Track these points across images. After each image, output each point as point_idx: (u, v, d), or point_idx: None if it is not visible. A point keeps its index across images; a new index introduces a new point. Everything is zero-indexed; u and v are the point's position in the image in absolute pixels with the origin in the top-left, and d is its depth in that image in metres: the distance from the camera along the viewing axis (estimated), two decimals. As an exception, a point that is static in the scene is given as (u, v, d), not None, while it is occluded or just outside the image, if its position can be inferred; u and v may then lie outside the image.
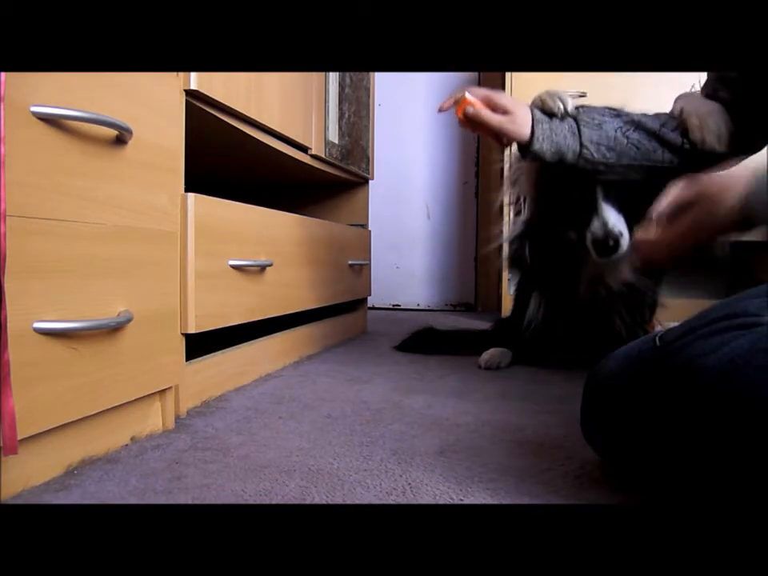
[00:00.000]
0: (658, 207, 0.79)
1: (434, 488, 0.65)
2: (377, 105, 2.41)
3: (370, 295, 1.98)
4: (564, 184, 1.17)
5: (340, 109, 1.58)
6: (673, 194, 0.77)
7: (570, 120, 1.04)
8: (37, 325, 0.60)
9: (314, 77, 1.42)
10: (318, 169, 1.53)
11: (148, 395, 0.81)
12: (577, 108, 1.07)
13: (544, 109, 1.05)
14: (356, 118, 1.72)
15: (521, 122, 1.02)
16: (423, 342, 1.57)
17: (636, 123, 1.04)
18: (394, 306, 2.83)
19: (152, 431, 0.84)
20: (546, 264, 1.30)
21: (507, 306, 2.10)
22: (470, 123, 1.04)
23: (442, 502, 0.62)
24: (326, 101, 1.49)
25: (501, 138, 1.04)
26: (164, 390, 0.85)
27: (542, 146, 1.02)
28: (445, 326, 1.68)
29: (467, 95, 1.02)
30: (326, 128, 1.49)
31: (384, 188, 2.69)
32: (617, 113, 1.06)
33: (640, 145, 1.04)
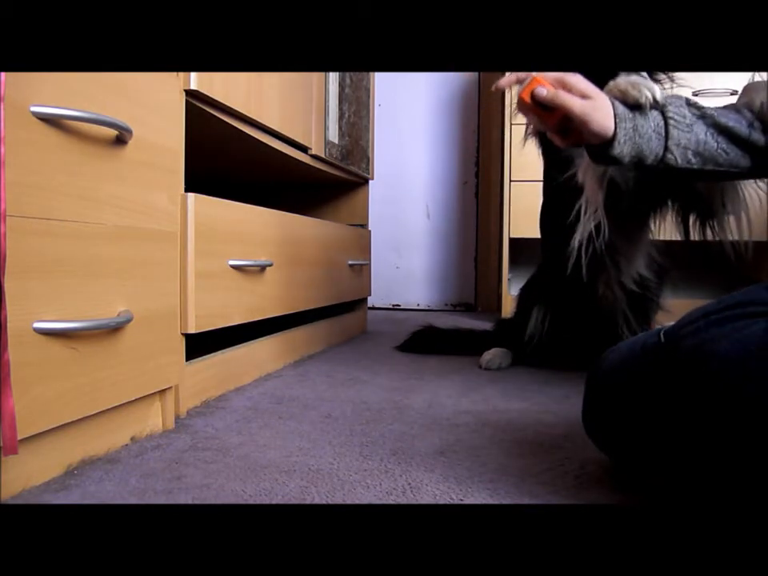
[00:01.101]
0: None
1: (434, 488, 0.65)
2: (377, 105, 2.42)
3: (370, 295, 1.98)
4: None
5: (340, 109, 1.58)
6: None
7: (657, 115, 0.88)
8: (37, 325, 0.60)
9: (314, 77, 1.42)
10: (318, 169, 1.53)
11: (148, 395, 0.81)
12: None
13: (626, 100, 0.87)
14: (356, 117, 1.72)
15: (602, 111, 0.84)
16: (424, 342, 1.57)
17: (723, 128, 0.90)
18: (393, 306, 2.83)
19: (152, 431, 0.84)
20: (561, 276, 1.26)
21: (507, 306, 2.10)
22: (536, 109, 0.86)
23: (442, 501, 0.62)
24: (326, 101, 1.49)
25: (562, 131, 0.88)
26: (164, 390, 0.85)
27: (623, 149, 0.86)
28: (445, 326, 1.68)
29: (537, 74, 0.84)
30: (325, 128, 1.49)
31: (384, 188, 2.69)
32: (702, 112, 0.90)
33: (729, 150, 0.90)
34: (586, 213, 1.16)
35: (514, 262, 2.25)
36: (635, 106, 0.87)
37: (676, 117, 0.88)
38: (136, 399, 0.78)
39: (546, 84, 0.84)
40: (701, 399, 0.54)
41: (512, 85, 0.88)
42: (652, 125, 0.87)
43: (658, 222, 1.24)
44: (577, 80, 0.85)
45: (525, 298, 1.39)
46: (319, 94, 1.46)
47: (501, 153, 2.48)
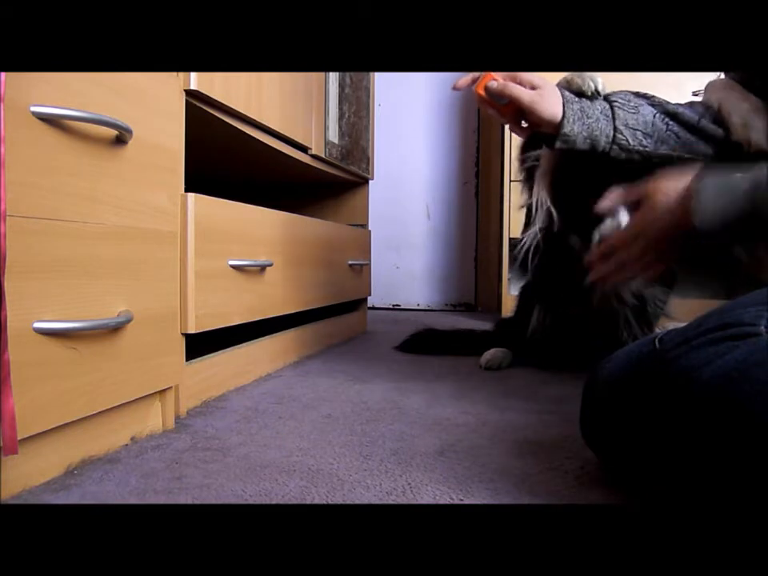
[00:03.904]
0: (603, 207, 0.85)
1: (434, 488, 0.65)
2: (377, 105, 2.41)
3: (369, 295, 1.98)
4: (583, 181, 1.08)
5: (340, 109, 1.58)
6: (615, 196, 0.85)
7: (602, 101, 0.93)
8: (37, 325, 0.60)
9: (314, 77, 1.42)
10: (318, 169, 1.53)
11: (148, 395, 0.81)
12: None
13: (571, 89, 0.93)
14: (356, 118, 1.72)
15: (550, 99, 0.90)
16: (424, 342, 1.57)
17: (672, 113, 0.93)
18: (394, 306, 2.83)
19: (152, 431, 0.84)
20: (555, 277, 1.26)
21: (507, 306, 2.10)
22: (490, 102, 0.92)
23: (442, 502, 0.62)
24: (326, 101, 1.49)
25: (519, 121, 0.93)
26: (164, 390, 0.85)
27: (573, 127, 0.89)
28: (445, 327, 1.68)
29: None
30: (325, 128, 1.49)
31: (384, 188, 2.69)
32: (651, 101, 0.94)
33: (681, 134, 0.93)
34: (537, 212, 1.20)
35: (514, 262, 2.24)
36: (579, 94, 0.93)
37: (620, 100, 0.93)
38: (136, 399, 0.78)
39: (495, 78, 0.91)
40: (689, 424, 0.55)
41: (468, 84, 0.94)
42: (599, 107, 0.92)
43: None
44: (526, 74, 0.92)
45: (525, 297, 1.39)
46: (319, 94, 1.46)
47: (501, 153, 2.49)
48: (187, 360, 0.94)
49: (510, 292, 2.17)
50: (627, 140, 0.91)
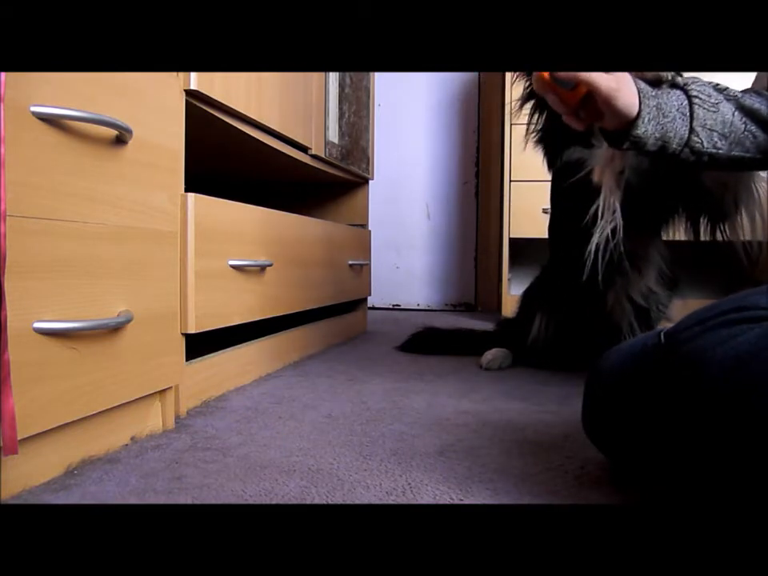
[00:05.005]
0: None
1: (434, 488, 0.65)
2: (377, 105, 2.41)
3: (369, 295, 1.98)
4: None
5: (340, 109, 1.58)
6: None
7: (680, 94, 0.82)
8: (37, 325, 0.60)
9: (314, 77, 1.42)
10: (318, 169, 1.53)
11: (148, 395, 0.81)
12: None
13: (645, 77, 0.82)
14: (356, 117, 1.72)
15: (628, 88, 0.78)
16: (424, 342, 1.57)
17: (749, 110, 0.84)
18: (394, 306, 2.83)
19: (152, 431, 0.84)
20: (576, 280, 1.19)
21: (507, 306, 2.10)
22: (553, 86, 0.78)
23: (442, 502, 0.62)
24: (326, 101, 1.49)
25: (579, 110, 0.81)
26: (164, 390, 0.85)
27: (647, 128, 0.79)
28: (445, 326, 1.68)
29: None
30: (326, 128, 1.49)
31: (384, 188, 2.69)
32: (726, 94, 0.84)
33: (757, 133, 0.84)
34: (603, 215, 1.09)
35: (514, 262, 2.25)
36: (654, 83, 0.83)
37: (701, 96, 0.82)
38: (136, 399, 0.78)
39: None
40: (696, 405, 0.54)
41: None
42: (675, 104, 0.81)
43: (669, 231, 1.21)
44: None
45: (528, 302, 1.38)
46: (319, 93, 1.46)
47: (501, 153, 2.49)
48: (187, 360, 0.94)
49: (510, 292, 2.17)
50: (702, 142, 0.82)
